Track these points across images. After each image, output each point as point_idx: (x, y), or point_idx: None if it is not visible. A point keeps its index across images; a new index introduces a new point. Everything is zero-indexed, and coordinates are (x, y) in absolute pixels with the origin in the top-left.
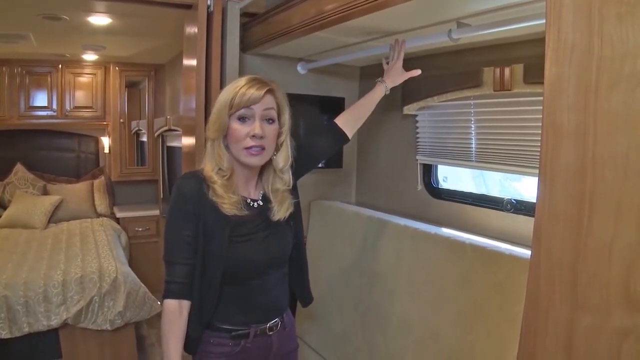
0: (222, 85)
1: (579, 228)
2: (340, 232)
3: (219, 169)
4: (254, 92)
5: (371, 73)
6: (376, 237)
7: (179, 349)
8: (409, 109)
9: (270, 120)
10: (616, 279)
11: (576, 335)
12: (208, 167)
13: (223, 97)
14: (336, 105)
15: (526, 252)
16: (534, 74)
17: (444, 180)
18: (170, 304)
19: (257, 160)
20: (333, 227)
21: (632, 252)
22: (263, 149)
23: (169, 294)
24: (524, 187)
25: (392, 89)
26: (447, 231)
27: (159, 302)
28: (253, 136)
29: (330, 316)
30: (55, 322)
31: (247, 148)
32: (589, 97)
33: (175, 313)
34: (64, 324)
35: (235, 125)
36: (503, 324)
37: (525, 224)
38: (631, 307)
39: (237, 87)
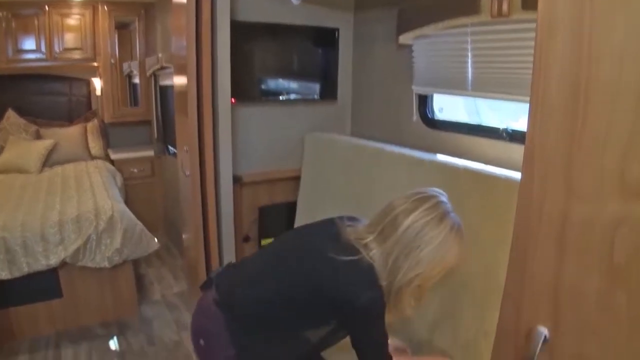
0: (213, 21)
1: (574, 117)
2: (335, 163)
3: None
4: None
5: (366, 3)
6: (371, 166)
7: None
8: (404, 39)
9: None
10: (611, 166)
11: (569, 226)
12: (407, 301)
13: (456, 259)
14: (330, 37)
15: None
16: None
17: (439, 111)
18: None
19: None
20: (327, 159)
21: (628, 138)
22: None
23: None
24: (522, 126)
25: (388, 19)
26: (442, 158)
27: (155, 240)
28: None
29: None
30: (54, 261)
31: None
32: None
33: None
34: (63, 263)
35: None
36: (498, 248)
37: (520, 153)
38: (625, 195)
39: (462, 247)
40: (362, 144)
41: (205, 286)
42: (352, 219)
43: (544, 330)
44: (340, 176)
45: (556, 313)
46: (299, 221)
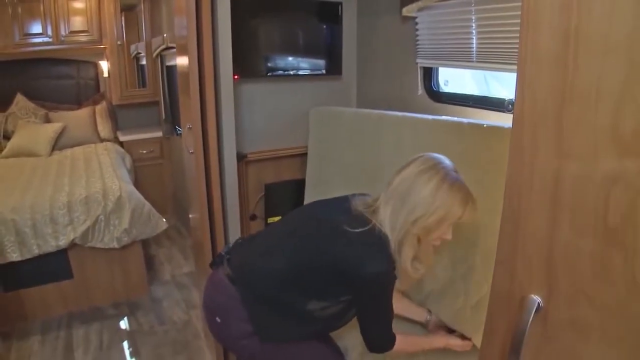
0: (213, 2)
1: (565, 68)
2: (340, 135)
3: (416, 261)
4: (476, 214)
5: None
6: (375, 132)
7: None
8: (408, 11)
9: None
10: (604, 121)
11: (562, 185)
12: (407, 254)
13: (449, 213)
14: (333, 12)
15: None
16: None
17: (445, 84)
18: None
19: None
20: (333, 132)
21: (621, 90)
22: None
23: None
24: None
25: None
26: (445, 117)
27: (164, 219)
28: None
29: None
30: (63, 242)
31: (435, 246)
32: None
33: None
34: (73, 245)
35: (448, 232)
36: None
37: None
38: (620, 151)
39: (465, 206)
40: (366, 112)
41: (215, 263)
42: (363, 194)
43: (537, 299)
44: (347, 147)
45: (550, 279)
46: (309, 196)
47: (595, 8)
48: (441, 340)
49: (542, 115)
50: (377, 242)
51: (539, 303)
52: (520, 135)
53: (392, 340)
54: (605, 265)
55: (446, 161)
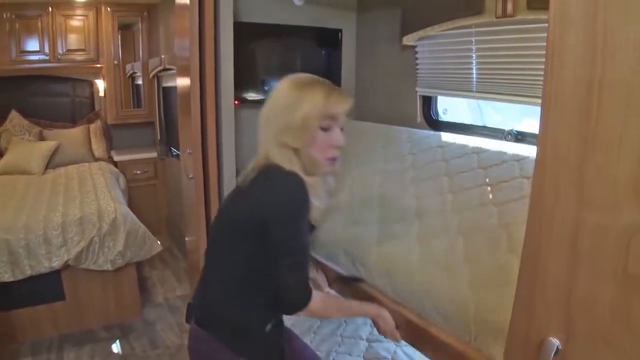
0: (216, 23)
1: (588, 118)
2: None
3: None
4: (345, 104)
5: (369, 4)
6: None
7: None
8: (408, 40)
9: (342, 129)
10: (625, 172)
11: (582, 234)
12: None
13: (309, 106)
14: (333, 38)
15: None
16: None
17: (443, 113)
18: (314, 297)
19: (336, 170)
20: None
21: None
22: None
23: (310, 290)
24: (526, 127)
25: (392, 20)
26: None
27: (158, 242)
28: (337, 146)
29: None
30: (56, 263)
31: (330, 158)
32: None
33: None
34: (66, 266)
35: (322, 135)
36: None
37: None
38: None
39: (327, 96)
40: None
41: (189, 315)
42: None
43: (556, 342)
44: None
45: (569, 324)
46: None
47: (619, 59)
48: (373, 309)
49: (564, 163)
50: (270, 172)
51: (557, 347)
52: (542, 182)
53: (309, 292)
54: (625, 312)
55: (305, 74)
